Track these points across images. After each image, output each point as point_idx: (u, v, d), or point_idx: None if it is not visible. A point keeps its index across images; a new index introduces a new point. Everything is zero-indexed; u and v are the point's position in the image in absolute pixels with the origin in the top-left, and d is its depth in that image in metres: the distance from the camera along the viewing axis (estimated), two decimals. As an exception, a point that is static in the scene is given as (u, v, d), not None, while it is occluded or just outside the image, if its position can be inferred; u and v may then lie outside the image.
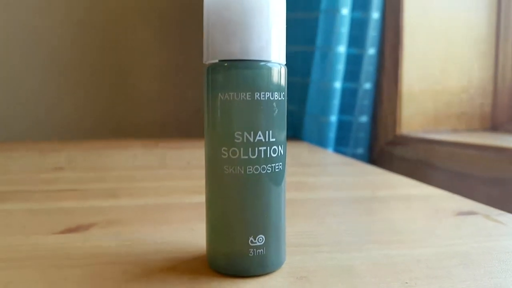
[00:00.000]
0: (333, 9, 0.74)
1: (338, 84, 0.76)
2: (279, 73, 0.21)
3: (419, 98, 0.75)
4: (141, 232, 0.28)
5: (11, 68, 0.98)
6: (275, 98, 0.21)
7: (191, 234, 0.27)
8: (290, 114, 0.83)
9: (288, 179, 0.44)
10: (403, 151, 0.73)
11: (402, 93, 0.74)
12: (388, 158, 0.77)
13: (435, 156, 0.65)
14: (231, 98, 0.20)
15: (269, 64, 0.21)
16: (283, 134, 0.22)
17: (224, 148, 0.21)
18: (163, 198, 0.37)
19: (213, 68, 0.21)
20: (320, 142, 0.77)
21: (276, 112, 0.21)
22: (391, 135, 0.76)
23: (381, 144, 0.79)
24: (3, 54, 0.97)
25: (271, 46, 0.21)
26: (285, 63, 0.22)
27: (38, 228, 0.28)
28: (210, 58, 0.21)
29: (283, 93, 0.21)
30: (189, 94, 1.04)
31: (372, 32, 0.76)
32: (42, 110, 0.99)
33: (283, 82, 0.21)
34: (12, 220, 0.30)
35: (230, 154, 0.21)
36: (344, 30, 0.74)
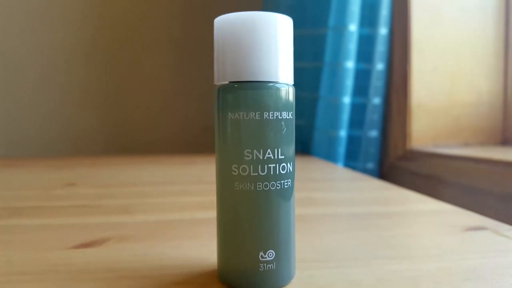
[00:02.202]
0: (341, 26, 0.75)
1: (347, 99, 0.76)
2: (287, 93, 0.22)
3: (428, 112, 0.75)
4: (153, 247, 0.28)
5: (25, 86, 1.00)
6: (284, 117, 0.21)
7: (202, 249, 0.28)
8: (299, 129, 0.85)
9: (297, 194, 0.44)
10: (414, 166, 0.73)
11: (411, 107, 0.75)
12: (399, 172, 0.77)
13: (445, 171, 0.65)
14: (241, 118, 0.21)
15: (277, 85, 0.21)
16: (292, 151, 0.22)
17: (234, 165, 0.21)
18: (174, 214, 0.38)
19: (224, 89, 0.21)
20: (330, 157, 0.77)
21: (284, 130, 0.22)
22: (401, 149, 0.76)
23: (391, 158, 0.79)
24: (18, 73, 0.99)
25: (279, 68, 0.21)
26: (292, 83, 0.23)
27: (53, 243, 0.29)
28: (220, 79, 0.22)
29: (291, 112, 0.22)
30: (197, 111, 1.06)
31: (380, 48, 0.77)
32: (54, 128, 1.01)
33: (291, 101, 0.22)
34: (27, 235, 0.31)
35: (240, 171, 0.21)
36: (352, 46, 0.75)
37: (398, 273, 0.24)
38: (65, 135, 1.01)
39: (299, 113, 0.85)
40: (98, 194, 0.46)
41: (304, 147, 0.86)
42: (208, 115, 1.05)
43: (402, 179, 0.75)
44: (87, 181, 0.54)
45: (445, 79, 0.75)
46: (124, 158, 0.77)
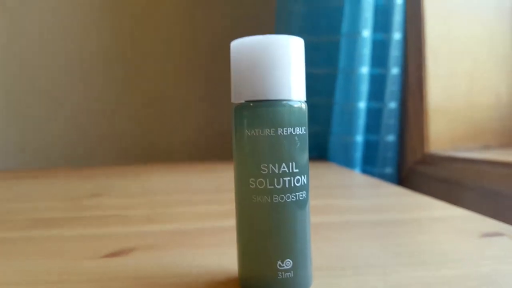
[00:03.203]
0: (354, 32, 0.76)
1: (362, 104, 0.77)
2: (299, 110, 0.23)
3: (446, 115, 0.75)
4: (177, 256, 0.30)
5: (46, 97, 1.04)
6: (297, 133, 0.23)
7: (224, 257, 0.29)
8: (315, 134, 0.86)
9: (314, 202, 0.45)
10: (432, 170, 0.73)
11: (428, 111, 0.75)
12: (417, 177, 0.77)
13: (464, 175, 0.65)
14: (257, 134, 0.22)
15: (290, 103, 0.23)
16: (306, 165, 0.23)
17: (252, 179, 0.23)
18: (195, 223, 0.39)
19: (240, 108, 0.23)
20: (347, 162, 0.78)
21: (298, 145, 0.23)
22: (419, 154, 0.76)
23: (410, 163, 0.79)
24: (41, 85, 1.03)
25: (291, 87, 0.23)
26: (305, 99, 0.24)
27: (85, 252, 0.31)
28: (237, 98, 0.23)
29: (304, 127, 0.23)
30: (215, 116, 1.07)
31: (395, 52, 0.77)
32: (73, 137, 1.04)
33: (303, 117, 0.23)
34: (61, 245, 0.33)
35: (257, 184, 0.23)
36: (366, 51, 0.76)
37: (413, 280, 0.25)
38: (85, 144, 1.05)
39: (314, 119, 0.86)
40: (123, 204, 0.48)
41: (320, 153, 0.87)
42: (225, 120, 1.06)
43: (421, 183, 0.75)
44: (111, 191, 0.56)
45: (462, 81, 0.75)
46: (144, 167, 0.80)
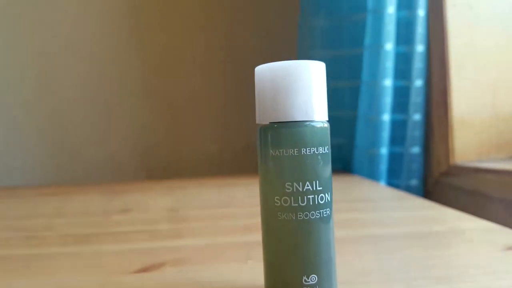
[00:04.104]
0: (377, 45, 0.76)
1: (386, 117, 0.77)
2: (321, 130, 0.24)
3: (471, 126, 0.74)
4: (205, 271, 0.31)
5: (75, 113, 1.08)
6: (320, 152, 0.24)
7: (251, 271, 0.30)
8: (339, 147, 0.86)
9: (339, 215, 0.46)
10: (458, 181, 0.72)
11: (453, 122, 0.74)
12: (443, 188, 0.76)
13: (490, 186, 0.64)
14: (281, 154, 0.23)
15: (312, 123, 0.24)
16: (329, 183, 0.24)
17: (277, 197, 0.24)
18: (222, 237, 0.40)
19: (265, 129, 0.24)
20: (371, 174, 0.78)
21: (321, 164, 0.24)
22: (445, 165, 0.76)
23: (435, 175, 0.78)
24: (69, 101, 1.07)
25: (313, 108, 0.24)
26: (327, 119, 0.25)
27: (117, 267, 0.32)
28: (261, 120, 0.24)
29: (327, 146, 0.24)
30: (238, 130, 1.09)
31: (418, 64, 0.77)
32: (94, 153, 1.07)
33: (326, 136, 0.24)
34: (91, 261, 0.35)
35: (282, 202, 0.24)
36: (389, 64, 0.76)
37: (436, 294, 0.25)
38: (113, 160, 1.08)
39: (338, 132, 0.86)
40: (151, 220, 0.49)
41: (345, 166, 0.87)
42: (249, 132, 1.07)
43: (447, 195, 0.74)
44: (140, 207, 0.58)
45: (486, 92, 0.74)
46: (170, 182, 0.82)
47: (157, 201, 0.62)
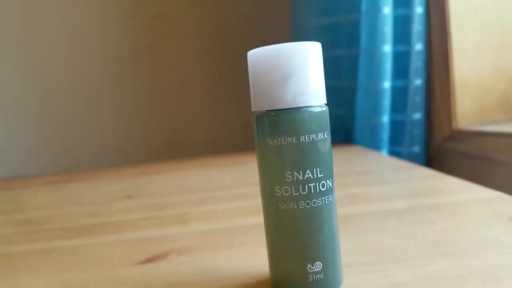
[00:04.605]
0: (375, 9, 0.74)
1: (387, 84, 0.75)
2: (320, 115, 0.23)
3: (473, 89, 0.73)
4: (210, 258, 0.31)
5: (72, 97, 1.07)
6: (319, 138, 0.23)
7: (255, 257, 0.30)
8: (340, 118, 0.85)
9: (342, 191, 0.45)
10: (461, 146, 0.71)
11: (454, 86, 0.73)
12: (446, 154, 0.75)
13: (494, 149, 0.63)
14: (279, 143, 0.23)
15: (310, 109, 0.23)
16: (330, 169, 0.24)
17: (277, 187, 0.23)
18: (226, 221, 0.40)
19: (261, 117, 0.23)
20: (373, 144, 0.77)
21: (321, 150, 0.23)
22: (447, 130, 0.75)
23: (438, 140, 0.77)
24: (66, 86, 1.06)
25: (311, 93, 0.23)
26: (325, 102, 0.24)
27: (120, 260, 0.32)
28: (257, 107, 0.24)
29: (326, 131, 0.23)
30: (236, 109, 1.08)
31: (418, 27, 0.75)
32: (97, 138, 1.07)
33: (325, 122, 0.23)
34: (92, 254, 0.35)
35: (283, 192, 0.23)
36: (387, 29, 0.74)
37: (443, 273, 0.25)
38: (111, 144, 1.07)
39: (339, 102, 0.85)
40: (155, 205, 0.49)
41: (346, 136, 0.86)
42: (248, 111, 1.06)
43: (450, 160, 0.74)
44: (143, 192, 0.58)
45: (489, 52, 0.72)
46: (171, 164, 0.81)
47: (159, 185, 0.62)
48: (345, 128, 0.86)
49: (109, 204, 0.51)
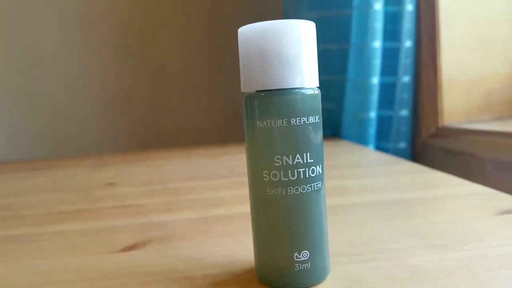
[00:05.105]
0: (366, 5, 0.73)
1: (375, 80, 0.75)
2: (312, 97, 0.22)
3: (460, 88, 0.73)
4: (193, 247, 0.30)
5: (56, 81, 1.04)
6: (311, 122, 0.22)
7: (240, 246, 0.29)
8: (328, 112, 0.84)
9: (329, 182, 0.45)
10: (447, 143, 0.71)
11: (442, 83, 0.73)
12: (432, 151, 0.76)
13: (479, 147, 0.63)
14: (269, 125, 0.22)
15: (302, 91, 0.22)
16: (321, 154, 0.23)
17: (265, 171, 0.22)
18: (210, 210, 0.39)
19: (251, 98, 0.22)
20: (360, 139, 0.77)
21: (312, 134, 0.22)
22: (433, 127, 0.75)
23: (424, 137, 0.78)
24: (51, 69, 1.03)
25: (304, 74, 0.22)
26: (317, 85, 0.23)
27: (99, 247, 0.31)
28: (247, 88, 0.23)
29: (318, 115, 0.23)
30: (225, 99, 1.07)
31: (407, 24, 0.75)
32: (81, 125, 1.04)
33: (317, 104, 0.23)
34: (73, 241, 0.33)
35: (271, 177, 0.22)
36: (378, 25, 0.74)
37: (431, 264, 0.25)
38: (94, 131, 1.05)
39: (327, 96, 0.85)
40: (137, 193, 0.48)
41: (334, 131, 0.86)
42: (237, 102, 1.05)
43: (436, 157, 0.74)
44: (125, 180, 0.56)
45: (476, 51, 0.73)
46: (156, 153, 0.80)
47: (143, 173, 0.61)
48: (332, 122, 0.86)
49: (90, 192, 0.50)
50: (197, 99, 1.08)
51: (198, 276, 0.25)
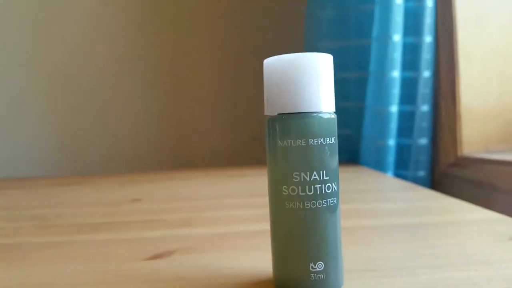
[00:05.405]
0: (385, 36, 0.76)
1: (394, 108, 0.77)
2: (329, 121, 0.24)
3: (479, 117, 0.74)
4: (214, 258, 0.32)
5: (85, 103, 1.09)
6: (327, 142, 0.24)
7: (258, 260, 0.31)
8: (346, 138, 0.86)
9: (346, 206, 0.46)
10: (465, 172, 0.72)
11: (460, 113, 0.74)
12: (451, 180, 0.76)
13: (498, 177, 0.64)
14: (289, 145, 0.24)
15: (320, 114, 0.24)
16: (336, 172, 0.25)
17: (284, 186, 0.24)
18: (230, 227, 0.41)
19: (273, 120, 0.25)
20: (379, 166, 0.78)
21: (328, 154, 0.24)
22: (452, 156, 0.76)
23: (443, 166, 0.78)
24: (79, 92, 1.08)
25: (321, 99, 0.24)
26: (334, 110, 0.25)
27: (128, 255, 0.33)
28: (270, 111, 0.25)
29: (334, 137, 0.25)
30: (245, 123, 1.09)
31: (426, 55, 0.77)
32: (107, 145, 1.09)
33: (333, 127, 0.25)
34: (102, 249, 0.36)
35: (290, 191, 0.24)
36: (396, 55, 0.76)
37: (440, 282, 0.26)
38: (122, 151, 1.09)
39: (346, 123, 0.87)
40: (161, 209, 0.50)
41: (352, 157, 0.87)
42: (255, 126, 1.08)
43: (454, 186, 0.74)
44: (150, 197, 0.59)
45: (494, 82, 0.74)
46: (178, 173, 0.83)
47: (166, 191, 0.63)
48: (351, 148, 0.87)
49: (117, 206, 0.53)
50: (218, 123, 1.11)
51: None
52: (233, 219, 0.44)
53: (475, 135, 0.74)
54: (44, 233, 0.41)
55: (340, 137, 0.91)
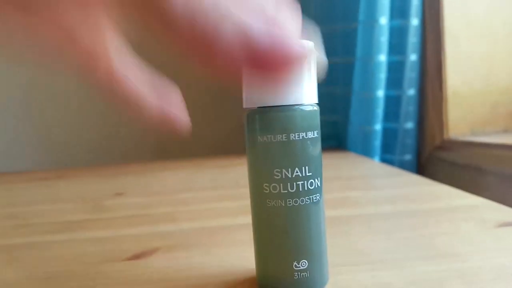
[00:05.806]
0: (371, 20, 0.75)
1: (381, 93, 0.76)
2: (311, 114, 0.23)
3: (465, 100, 0.74)
4: (198, 256, 0.31)
5: (63, 95, 1.06)
6: (309, 137, 0.23)
7: (243, 255, 0.30)
8: (333, 124, 0.85)
9: (332, 194, 0.46)
10: (452, 156, 0.72)
11: (447, 96, 0.74)
12: (437, 163, 0.76)
13: (484, 159, 0.64)
14: (269, 140, 0.23)
15: (301, 107, 0.23)
16: (319, 168, 0.24)
17: (265, 184, 0.23)
18: (216, 220, 0.40)
19: (252, 114, 0.23)
20: (366, 151, 0.78)
21: (310, 149, 0.23)
22: (439, 139, 0.75)
23: (429, 149, 0.78)
24: (58, 82, 1.05)
25: (303, 91, 0.23)
26: (316, 101, 0.24)
27: (107, 256, 0.32)
28: (248, 104, 0.24)
29: (317, 130, 0.24)
30: (229, 111, 1.08)
31: (413, 39, 0.76)
32: (92, 136, 1.06)
33: (316, 120, 0.24)
34: (80, 249, 0.34)
35: (271, 189, 0.23)
36: (383, 39, 0.75)
37: (427, 275, 0.25)
38: (100, 142, 1.07)
39: (332, 109, 0.86)
40: (145, 203, 0.49)
41: (339, 143, 0.87)
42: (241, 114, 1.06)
43: (440, 169, 0.74)
44: (134, 190, 0.57)
45: (481, 64, 0.73)
46: (164, 164, 0.81)
47: (150, 183, 0.62)
48: (338, 134, 0.86)
49: (99, 201, 0.51)
50: (204, 111, 1.09)
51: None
52: (219, 212, 0.43)
53: (461, 118, 0.74)
54: (19, 234, 0.39)
55: (327, 124, 0.90)
